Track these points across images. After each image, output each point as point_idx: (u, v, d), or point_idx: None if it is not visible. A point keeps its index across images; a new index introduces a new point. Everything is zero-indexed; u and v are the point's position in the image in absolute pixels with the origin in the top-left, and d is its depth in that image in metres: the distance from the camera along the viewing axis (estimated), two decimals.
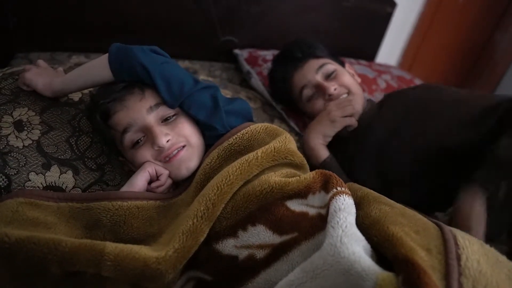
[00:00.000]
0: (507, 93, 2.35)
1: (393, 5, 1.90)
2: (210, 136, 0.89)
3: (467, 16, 2.39)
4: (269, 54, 1.58)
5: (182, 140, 0.84)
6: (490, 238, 0.83)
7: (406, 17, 2.25)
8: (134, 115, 0.82)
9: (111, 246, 0.62)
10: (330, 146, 1.25)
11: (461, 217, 0.90)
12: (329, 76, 1.18)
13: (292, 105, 1.32)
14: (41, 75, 0.91)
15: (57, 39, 1.35)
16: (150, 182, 0.83)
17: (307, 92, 1.19)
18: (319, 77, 1.17)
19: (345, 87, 1.17)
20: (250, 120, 0.96)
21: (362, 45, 1.91)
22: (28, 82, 0.90)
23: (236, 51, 1.62)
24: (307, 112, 1.26)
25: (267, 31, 1.67)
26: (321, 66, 1.18)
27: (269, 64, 1.51)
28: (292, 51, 1.23)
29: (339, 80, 1.18)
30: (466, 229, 0.87)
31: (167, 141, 0.81)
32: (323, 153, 1.12)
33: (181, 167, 0.83)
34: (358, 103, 1.17)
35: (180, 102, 0.86)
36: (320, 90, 1.17)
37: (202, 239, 0.66)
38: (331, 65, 1.19)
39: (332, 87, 1.14)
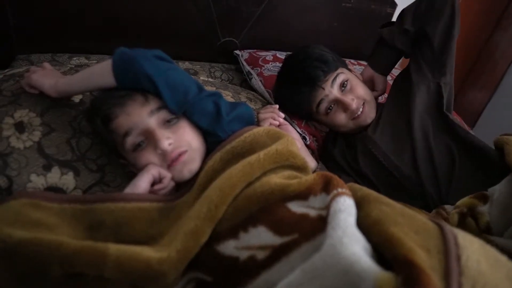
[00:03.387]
0: (508, 92, 2.36)
1: (393, 6, 1.90)
2: (212, 141, 0.89)
3: (467, 16, 2.38)
4: (269, 55, 1.58)
5: (184, 145, 0.84)
6: (498, 234, 0.84)
7: None
8: (135, 119, 0.82)
9: (113, 248, 0.62)
10: (335, 143, 1.27)
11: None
12: (344, 87, 1.18)
13: (299, 116, 1.32)
14: (47, 76, 0.93)
15: (58, 40, 1.35)
16: (153, 184, 0.83)
17: (323, 105, 1.18)
18: (335, 91, 1.16)
19: (361, 99, 1.18)
20: (252, 124, 0.96)
21: (362, 45, 1.91)
22: (34, 83, 0.91)
23: (237, 52, 1.62)
24: (327, 124, 1.27)
25: (268, 32, 1.67)
26: (335, 78, 1.17)
27: (270, 65, 1.51)
28: (314, 75, 1.15)
29: (355, 92, 1.18)
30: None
31: (169, 144, 0.82)
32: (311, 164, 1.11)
33: (183, 170, 0.84)
34: (373, 111, 1.21)
35: (184, 110, 0.86)
36: (339, 104, 1.17)
37: (204, 240, 0.66)
38: (343, 75, 1.19)
39: (353, 103, 1.15)
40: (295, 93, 1.19)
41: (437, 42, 1.14)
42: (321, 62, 1.16)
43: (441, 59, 1.16)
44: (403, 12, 1.21)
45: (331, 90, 1.16)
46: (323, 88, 1.15)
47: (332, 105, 1.18)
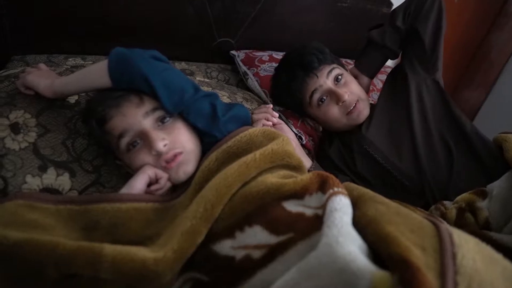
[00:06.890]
0: (503, 92, 2.37)
1: (389, 6, 1.91)
2: (208, 142, 0.89)
3: (462, 16, 2.39)
4: (265, 55, 1.58)
5: (179, 146, 0.84)
6: (497, 229, 0.84)
7: None
8: (130, 120, 0.82)
9: (109, 248, 0.62)
10: (331, 142, 1.27)
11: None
12: (338, 81, 1.19)
13: (294, 110, 1.32)
14: (42, 77, 0.93)
15: (54, 41, 1.34)
16: (149, 184, 0.83)
17: (316, 96, 1.19)
18: (330, 82, 1.17)
19: (355, 95, 1.18)
20: (248, 125, 0.96)
21: (358, 45, 1.90)
22: (30, 84, 0.91)
23: (233, 52, 1.62)
24: (319, 118, 1.26)
25: (264, 32, 1.67)
26: (331, 71, 1.18)
27: (266, 65, 1.52)
28: (309, 60, 1.16)
29: (349, 87, 1.18)
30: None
31: (164, 145, 0.81)
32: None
33: (179, 171, 0.84)
34: (367, 109, 1.21)
35: (180, 110, 0.86)
36: (332, 95, 1.17)
37: (200, 240, 0.66)
38: (338, 69, 1.20)
39: (346, 94, 1.15)
40: (290, 78, 1.20)
41: (428, 40, 1.18)
42: (317, 50, 1.19)
43: (433, 56, 1.20)
44: (394, 11, 1.25)
45: (326, 81, 1.17)
46: (317, 77, 1.16)
47: (325, 97, 1.18)
